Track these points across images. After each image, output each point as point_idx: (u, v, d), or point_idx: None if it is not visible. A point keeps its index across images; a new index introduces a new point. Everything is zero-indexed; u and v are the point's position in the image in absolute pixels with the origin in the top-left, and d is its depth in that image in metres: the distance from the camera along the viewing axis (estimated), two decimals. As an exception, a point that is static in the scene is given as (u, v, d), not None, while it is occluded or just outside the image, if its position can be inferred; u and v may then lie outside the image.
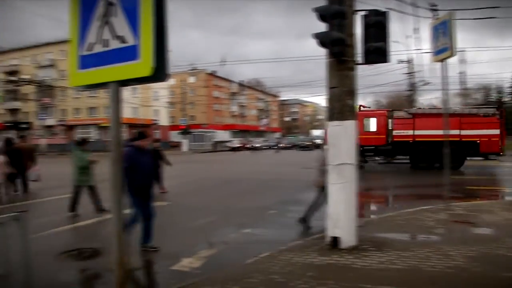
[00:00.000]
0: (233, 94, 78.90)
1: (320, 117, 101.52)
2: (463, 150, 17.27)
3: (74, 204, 8.34)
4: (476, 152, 17.59)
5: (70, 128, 53.24)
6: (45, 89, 48.50)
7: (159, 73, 2.42)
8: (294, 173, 17.45)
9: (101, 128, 50.47)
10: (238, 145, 49.28)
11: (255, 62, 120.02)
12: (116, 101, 2.67)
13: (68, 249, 5.75)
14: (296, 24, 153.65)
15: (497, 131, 17.23)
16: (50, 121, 51.52)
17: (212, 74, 70.01)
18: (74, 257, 5.51)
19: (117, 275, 2.89)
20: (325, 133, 6.21)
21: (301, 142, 50.54)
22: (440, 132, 15.39)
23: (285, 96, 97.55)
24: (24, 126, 54.86)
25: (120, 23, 2.59)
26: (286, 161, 22.34)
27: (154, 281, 5.03)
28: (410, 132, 18.53)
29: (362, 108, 20.85)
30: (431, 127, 17.50)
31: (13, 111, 58.17)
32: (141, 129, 6.37)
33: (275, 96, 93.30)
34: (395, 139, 18.98)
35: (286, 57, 59.67)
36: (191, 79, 68.90)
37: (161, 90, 55.42)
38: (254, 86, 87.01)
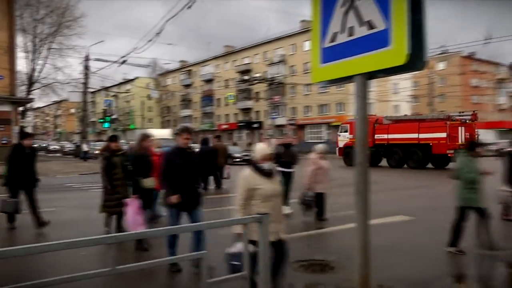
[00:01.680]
0: (501, 81, 71.21)
1: None
2: (422, 152, 24.29)
3: (456, 236, 6.86)
4: (429, 153, 24.06)
5: (300, 127, 58.18)
6: (275, 87, 54.40)
7: (415, 60, 2.39)
8: None
9: (331, 127, 53.26)
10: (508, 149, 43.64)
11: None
12: (363, 96, 2.77)
13: (301, 259, 6.28)
14: None
15: (443, 135, 23.10)
16: (281, 120, 57.32)
17: (470, 57, 64.91)
18: (306, 268, 5.99)
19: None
20: None
21: None
22: (404, 135, 25.10)
23: None
24: (255, 125, 63.11)
25: (367, 6, 2.67)
26: None
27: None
28: (385, 136, 26.20)
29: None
30: (399, 131, 25.57)
31: (245, 110, 67.50)
32: None
33: None
34: (376, 142, 26.40)
35: None
36: (441, 65, 65.47)
37: (401, 81, 54.56)
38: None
